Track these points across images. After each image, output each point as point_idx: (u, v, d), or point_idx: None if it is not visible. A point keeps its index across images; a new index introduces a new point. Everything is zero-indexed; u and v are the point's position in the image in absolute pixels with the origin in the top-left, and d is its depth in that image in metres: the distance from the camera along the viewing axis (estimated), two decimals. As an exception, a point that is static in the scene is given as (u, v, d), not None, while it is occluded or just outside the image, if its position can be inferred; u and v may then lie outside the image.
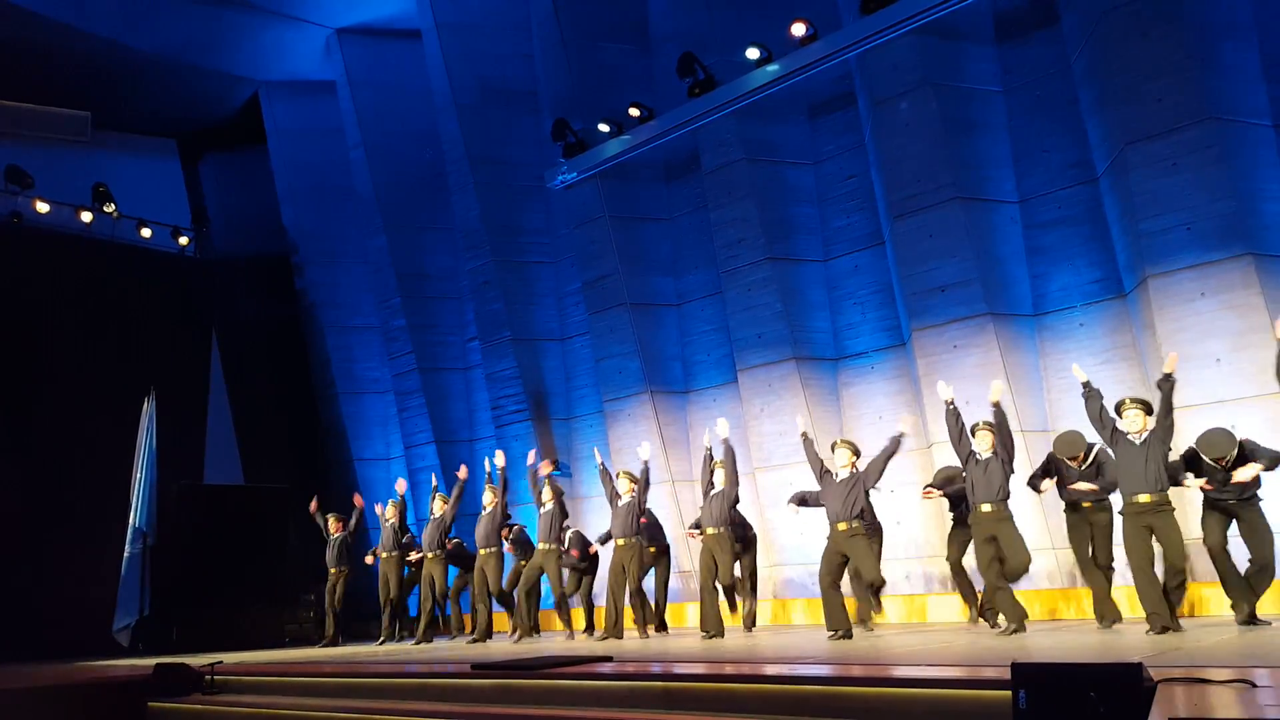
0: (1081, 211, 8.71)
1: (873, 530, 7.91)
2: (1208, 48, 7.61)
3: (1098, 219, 8.53)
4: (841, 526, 7.11)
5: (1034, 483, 7.10)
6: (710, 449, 8.29)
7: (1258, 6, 7.83)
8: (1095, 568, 6.77)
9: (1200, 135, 7.52)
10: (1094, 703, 3.18)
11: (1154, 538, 6.16)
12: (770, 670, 4.90)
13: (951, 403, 6.88)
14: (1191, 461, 6.37)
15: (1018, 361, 8.70)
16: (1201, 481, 6.27)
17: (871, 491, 7.44)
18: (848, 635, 6.95)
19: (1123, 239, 8.15)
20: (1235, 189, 7.45)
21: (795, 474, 9.22)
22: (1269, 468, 6.19)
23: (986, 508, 6.65)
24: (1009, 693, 3.40)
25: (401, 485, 11.12)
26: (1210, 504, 6.31)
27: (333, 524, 11.04)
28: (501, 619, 10.45)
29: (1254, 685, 3.37)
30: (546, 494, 9.18)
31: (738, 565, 8.38)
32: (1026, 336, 8.87)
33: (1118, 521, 6.50)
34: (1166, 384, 6.14)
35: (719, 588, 8.22)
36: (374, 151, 13.85)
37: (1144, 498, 6.07)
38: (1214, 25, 7.67)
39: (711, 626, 7.94)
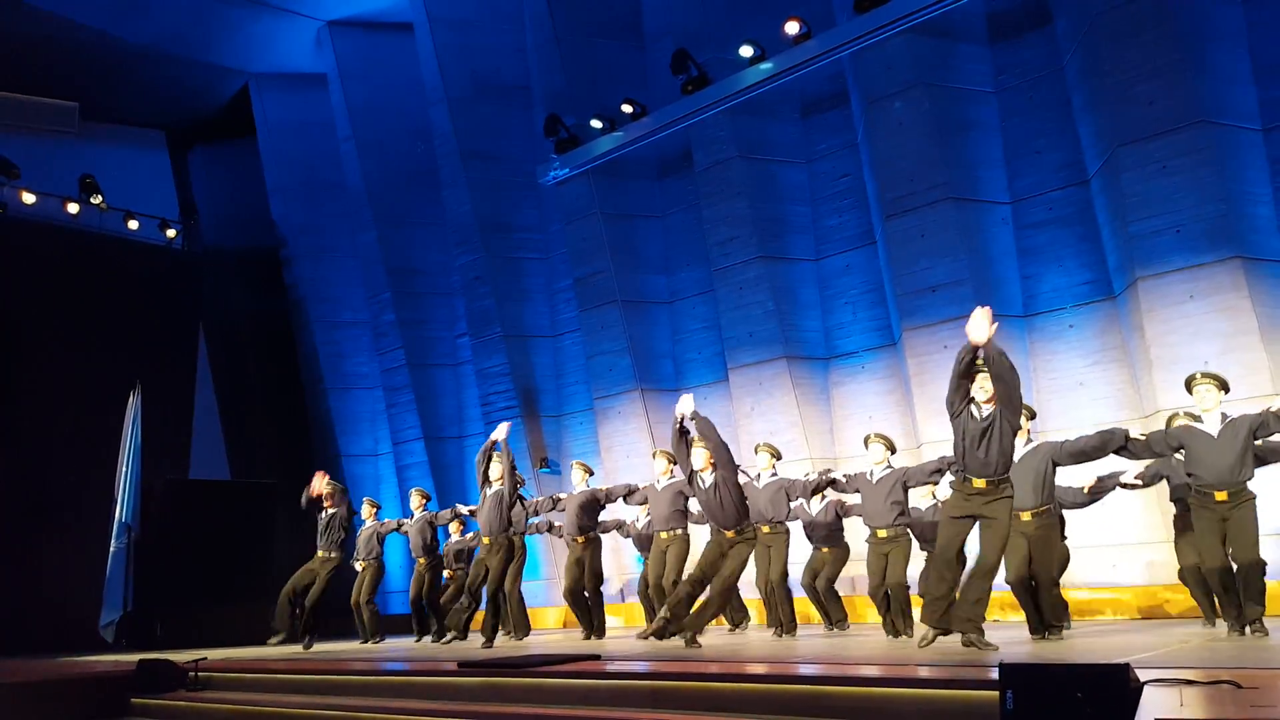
0: (1072, 213, 8.73)
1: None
2: (1199, 51, 7.64)
3: (1089, 220, 8.55)
4: (882, 534, 6.81)
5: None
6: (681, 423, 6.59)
7: (1248, 11, 7.86)
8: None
9: (1191, 138, 7.55)
10: (1081, 703, 3.18)
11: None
12: (757, 670, 4.88)
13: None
14: None
15: (1008, 362, 8.71)
16: None
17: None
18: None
19: (1113, 241, 8.17)
20: (1225, 192, 7.49)
21: (785, 472, 9.20)
22: None
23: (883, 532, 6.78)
24: (996, 693, 3.39)
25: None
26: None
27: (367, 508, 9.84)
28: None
29: (1239, 686, 3.37)
30: (495, 471, 7.89)
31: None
32: (1017, 337, 8.87)
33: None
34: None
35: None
36: (365, 145, 13.78)
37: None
38: (1205, 29, 7.70)
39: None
